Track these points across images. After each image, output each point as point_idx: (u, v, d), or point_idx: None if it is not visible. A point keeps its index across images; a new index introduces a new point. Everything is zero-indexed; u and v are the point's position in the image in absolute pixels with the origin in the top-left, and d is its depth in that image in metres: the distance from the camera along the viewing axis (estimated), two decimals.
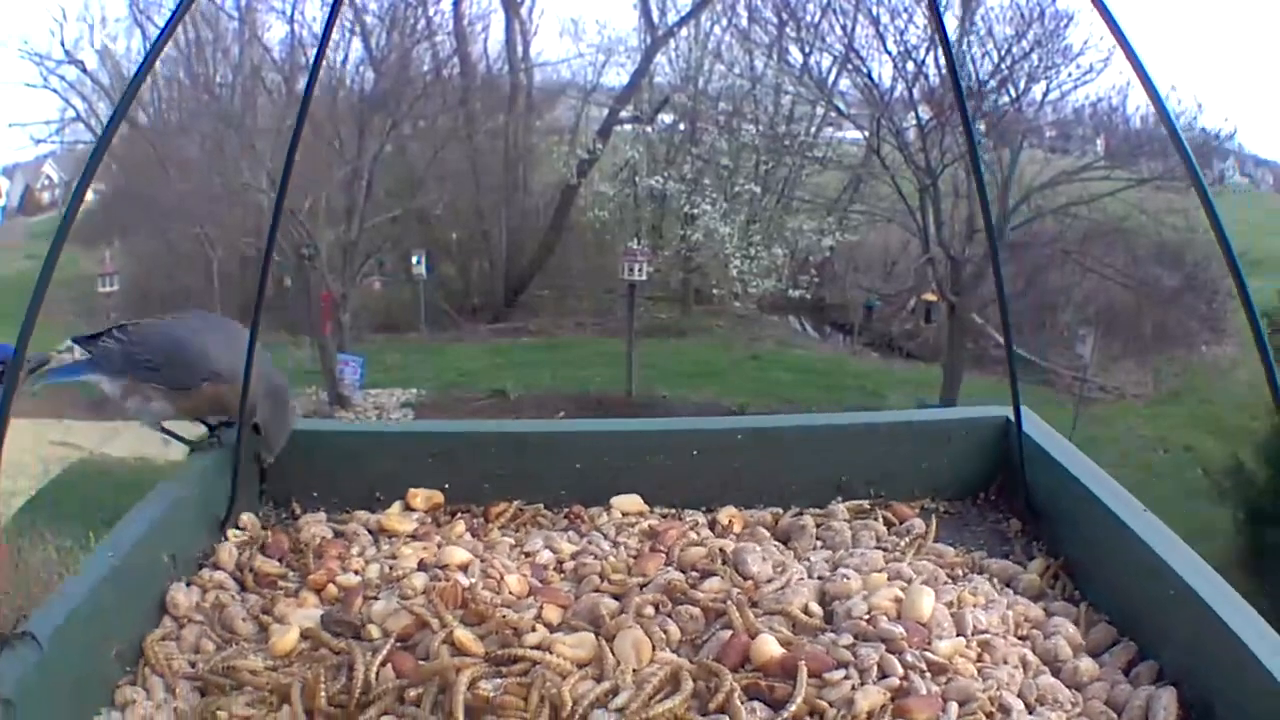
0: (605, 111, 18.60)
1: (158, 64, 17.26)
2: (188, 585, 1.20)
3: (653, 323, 17.41)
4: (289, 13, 16.46)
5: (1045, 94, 15.13)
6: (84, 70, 18.36)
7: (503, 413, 14.27)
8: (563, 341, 17.48)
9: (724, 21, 17.61)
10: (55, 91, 18.55)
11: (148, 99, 17.40)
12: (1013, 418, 1.37)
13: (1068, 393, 13.38)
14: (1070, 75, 14.74)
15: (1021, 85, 14.66)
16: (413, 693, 0.97)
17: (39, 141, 19.91)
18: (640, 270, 14.97)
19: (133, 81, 0.89)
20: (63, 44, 18.44)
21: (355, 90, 16.34)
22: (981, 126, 13.88)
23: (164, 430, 1.41)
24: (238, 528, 1.34)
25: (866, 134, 15.99)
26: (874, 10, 15.23)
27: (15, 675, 0.91)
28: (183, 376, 1.33)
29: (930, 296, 16.26)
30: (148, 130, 17.13)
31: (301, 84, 16.82)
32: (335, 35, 16.25)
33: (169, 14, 0.95)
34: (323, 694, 0.97)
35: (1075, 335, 13.99)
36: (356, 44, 16.47)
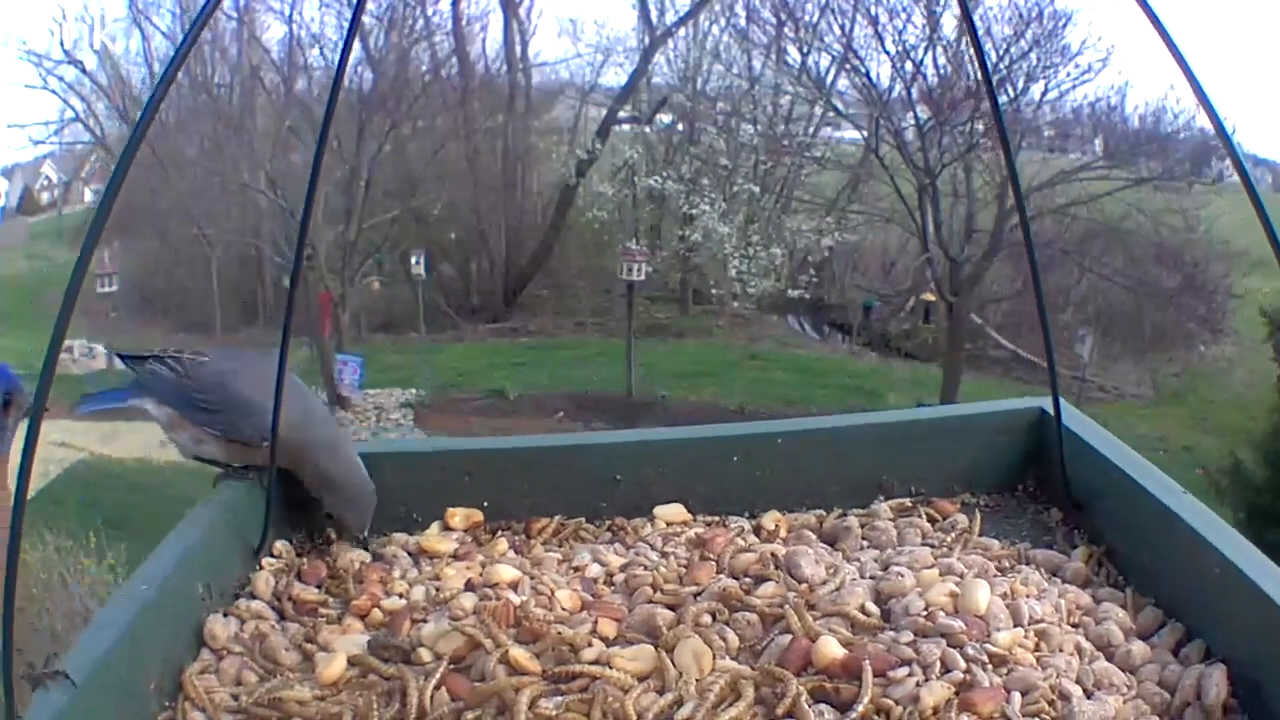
0: (604, 112, 18.61)
1: (156, 64, 17.25)
2: (225, 616, 1.16)
3: (652, 323, 17.42)
4: (288, 13, 16.49)
5: (1044, 94, 15.20)
6: (83, 71, 18.36)
7: (502, 413, 14.28)
8: (562, 341, 17.49)
9: (722, 21, 17.65)
10: (54, 92, 18.56)
11: (146, 99, 17.37)
12: (1049, 409, 1.37)
13: (1067, 393, 13.33)
14: (1069, 75, 14.82)
15: (1020, 85, 14.70)
16: (470, 715, 0.95)
17: (38, 142, 19.92)
18: (639, 270, 14.97)
19: (157, 86, 0.86)
20: (62, 44, 18.45)
21: (354, 90, 16.33)
22: (981, 126, 13.90)
23: (199, 458, 1.38)
24: (272, 555, 1.30)
25: (865, 134, 16.01)
26: (872, 10, 15.27)
27: (49, 716, 0.88)
28: (245, 430, 1.29)
29: (929, 296, 16.29)
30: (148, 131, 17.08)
31: (301, 84, 16.85)
32: (333, 35, 16.25)
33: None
34: None
35: (1075, 335, 14.00)
36: (355, 44, 16.45)
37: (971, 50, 14.17)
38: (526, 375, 15.62)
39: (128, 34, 18.69)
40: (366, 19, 16.27)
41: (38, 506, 9.65)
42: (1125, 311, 14.99)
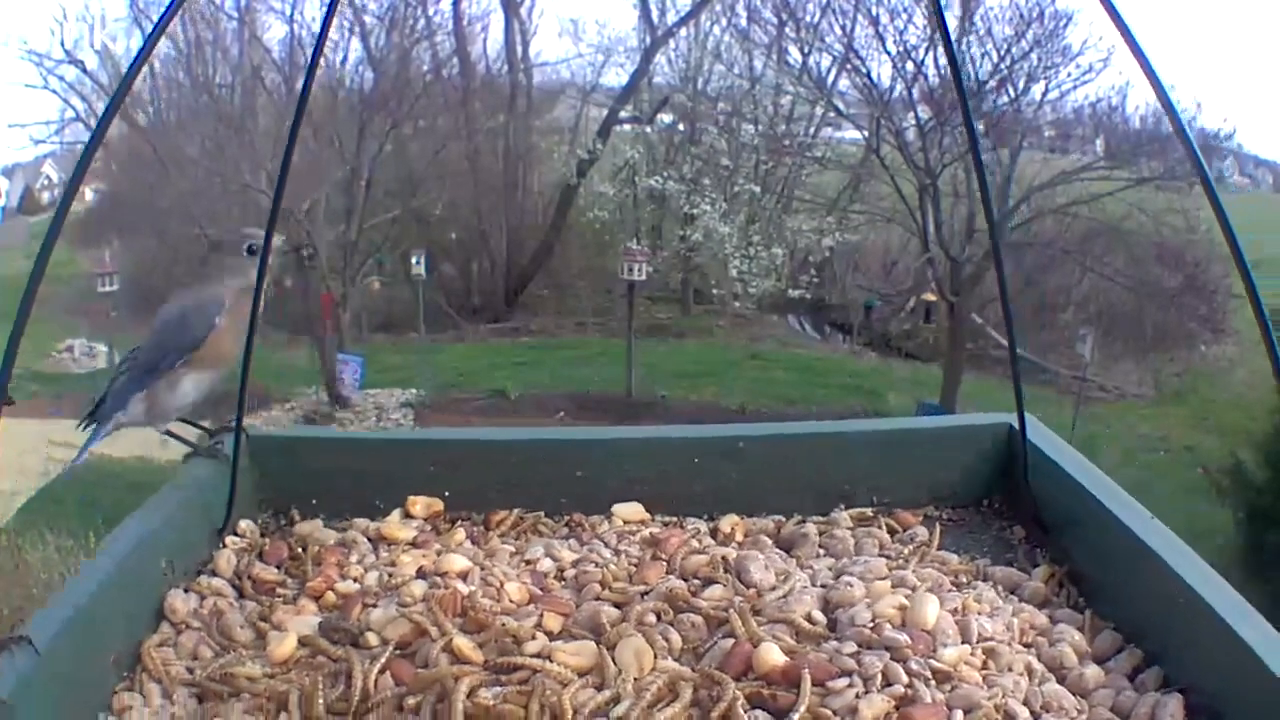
0: (605, 111, 18.61)
1: (157, 64, 17.30)
2: (186, 592, 1.20)
3: (652, 323, 17.42)
4: (289, 13, 16.51)
5: (1045, 94, 15.18)
6: (84, 70, 18.41)
7: (502, 413, 14.29)
8: (563, 341, 17.49)
9: (723, 22, 17.64)
10: (55, 92, 18.61)
11: (147, 99, 17.44)
12: (1016, 425, 1.36)
13: (1068, 393, 13.38)
14: (1070, 75, 14.79)
15: (1021, 85, 14.69)
16: (411, 700, 0.97)
17: (39, 142, 19.97)
18: (640, 270, 14.97)
19: (125, 77, 0.88)
20: (62, 44, 18.51)
21: (355, 90, 16.36)
22: (981, 126, 13.89)
23: (168, 433, 1.41)
24: (236, 535, 1.33)
25: (866, 134, 16.00)
26: (873, 10, 15.26)
27: (12, 678, 0.91)
28: (197, 327, 1.34)
29: (930, 296, 16.28)
30: (148, 130, 17.14)
31: (301, 85, 16.86)
32: (334, 35, 16.27)
33: (163, 14, 0.94)
34: (320, 701, 0.97)
35: (1075, 335, 13.98)
36: (356, 44, 16.48)
37: (974, 50, 14.21)
38: (527, 375, 15.63)
39: (128, 34, 18.70)
40: (367, 19, 16.31)
41: (38, 506, 9.67)
42: (1126, 311, 14.96)
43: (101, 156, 19.31)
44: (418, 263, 16.15)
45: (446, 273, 18.98)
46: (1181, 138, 0.96)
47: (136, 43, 18.29)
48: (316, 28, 14.96)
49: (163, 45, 17.17)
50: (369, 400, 14.89)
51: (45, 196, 24.66)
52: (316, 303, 14.74)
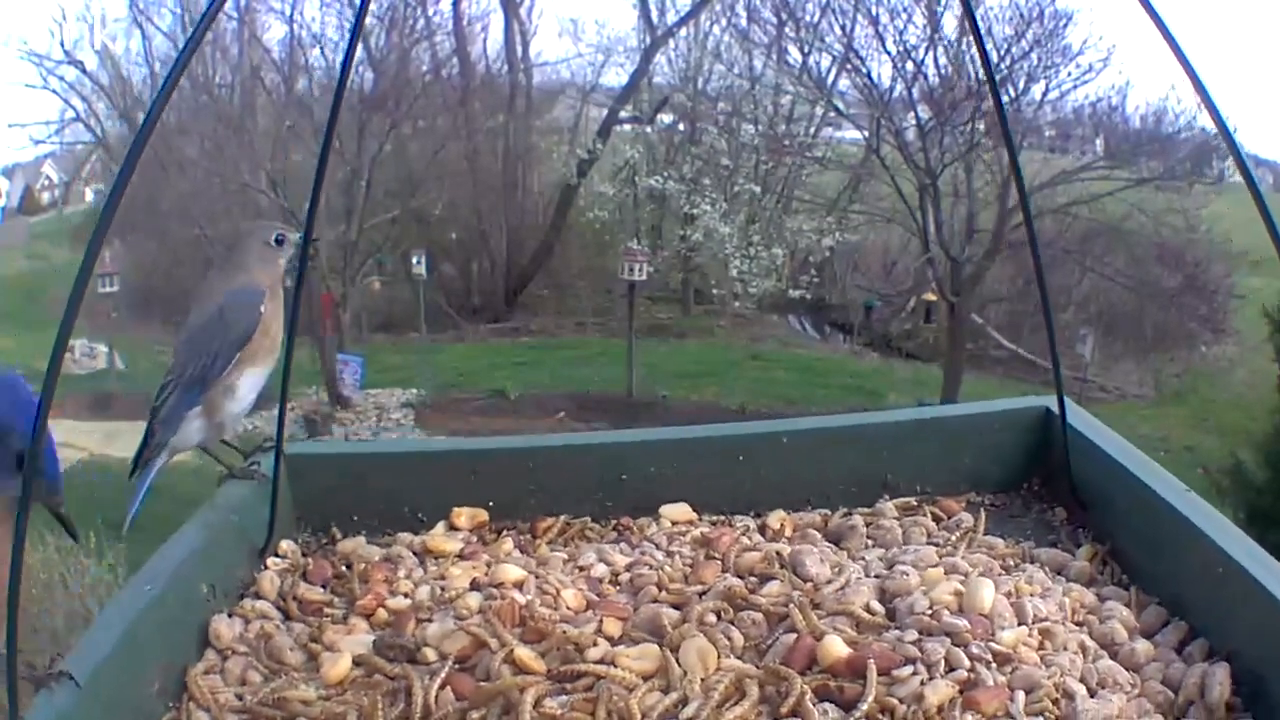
0: (605, 111, 18.60)
1: (157, 65, 17.26)
2: (230, 616, 1.17)
3: (653, 323, 17.41)
4: (288, 13, 16.49)
5: (1045, 94, 15.17)
6: (83, 71, 18.37)
7: (502, 413, 14.28)
8: (563, 341, 17.48)
9: (723, 21, 17.62)
10: (55, 92, 18.57)
11: (147, 99, 17.38)
12: (1055, 408, 1.37)
13: (1068, 393, 13.34)
14: (1070, 75, 14.79)
15: (1021, 85, 14.68)
16: (475, 715, 0.96)
17: (39, 142, 19.93)
18: (640, 270, 14.97)
19: (162, 88, 0.86)
20: (62, 44, 18.45)
21: (355, 90, 16.32)
22: (981, 126, 13.90)
23: (208, 451, 1.37)
24: (277, 555, 1.31)
25: (866, 134, 16.00)
26: (873, 10, 15.26)
27: (53, 716, 0.88)
28: (243, 319, 1.28)
29: (930, 296, 16.27)
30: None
31: (301, 84, 16.85)
32: (334, 35, 16.26)
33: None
34: None
35: (1075, 335, 14.00)
36: (356, 44, 16.46)
37: (974, 50, 14.21)
38: (527, 375, 15.62)
39: (128, 34, 18.69)
40: (367, 19, 16.28)
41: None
42: (1127, 311, 14.99)
43: (103, 158, 19.32)
44: (418, 263, 16.14)
45: (446, 273, 18.96)
46: (1231, 147, 0.96)
47: (136, 43, 18.30)
48: (317, 28, 14.93)
49: (163, 45, 17.15)
50: (369, 400, 14.87)
51: (45, 197, 24.62)
52: (317, 302, 14.72)
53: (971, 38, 13.92)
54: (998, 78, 14.26)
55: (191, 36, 0.90)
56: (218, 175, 15.00)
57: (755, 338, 17.67)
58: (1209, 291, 14.24)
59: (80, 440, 11.37)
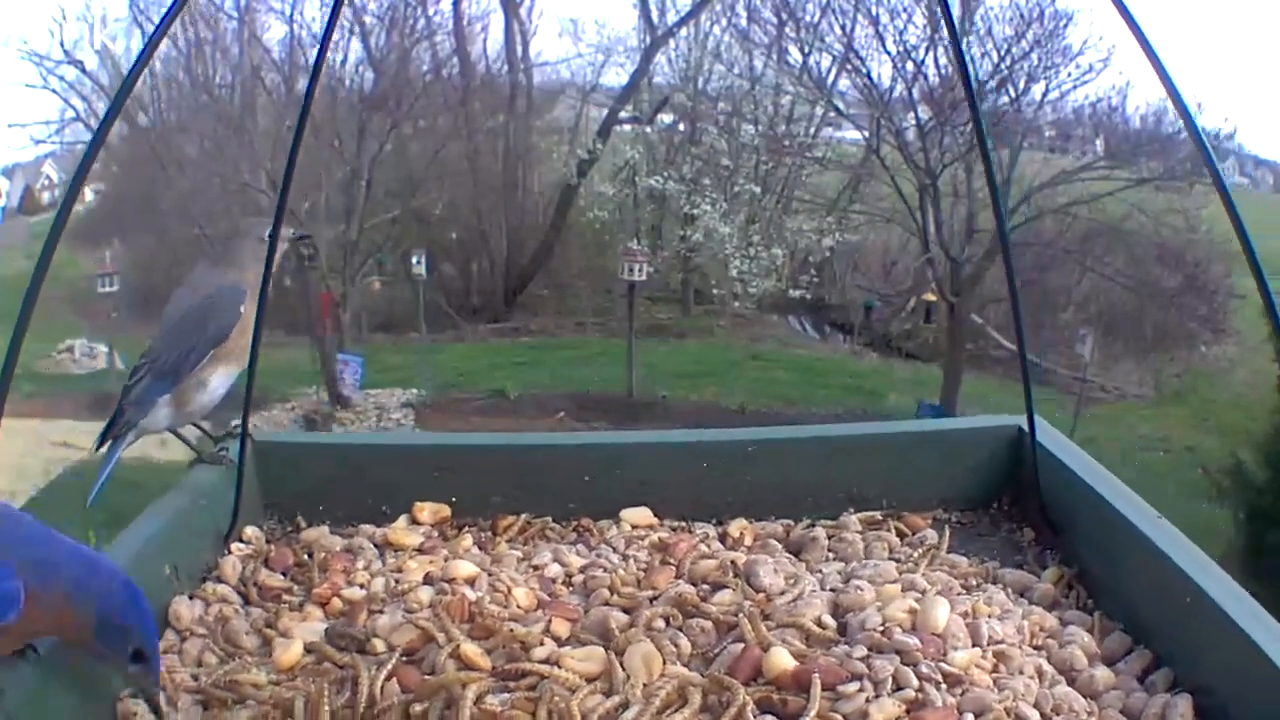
0: (605, 111, 18.59)
1: (157, 64, 17.29)
2: (191, 598, 1.19)
3: (653, 323, 17.40)
4: (289, 13, 16.48)
5: (1045, 94, 15.15)
6: (83, 71, 18.38)
7: (502, 413, 14.28)
8: (563, 341, 17.47)
9: (723, 21, 17.60)
10: (55, 92, 18.59)
11: (147, 99, 17.42)
12: (1026, 427, 1.36)
13: (1068, 393, 13.38)
14: (1070, 75, 14.76)
15: (1021, 85, 14.67)
16: (418, 707, 0.96)
17: (39, 142, 19.96)
18: (640, 270, 14.95)
19: (128, 77, 0.86)
20: (62, 44, 18.47)
21: (355, 90, 16.34)
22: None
23: (177, 434, 1.39)
24: (241, 541, 1.33)
25: (866, 134, 15.98)
26: (873, 10, 15.24)
27: (16, 686, 0.91)
28: (223, 317, 1.29)
29: (930, 296, 16.25)
30: (148, 130, 17.13)
31: (302, 84, 16.86)
32: (334, 35, 16.27)
33: (166, 13, 0.93)
34: (326, 708, 0.96)
35: (1075, 335, 13.97)
36: (356, 44, 16.48)
37: (971, 50, 14.19)
38: (527, 375, 15.61)
39: (128, 34, 18.68)
40: (367, 19, 16.29)
41: (38, 506, 9.66)
42: (1127, 311, 14.95)
43: (102, 157, 19.32)
44: (418, 263, 16.14)
45: (446, 273, 18.96)
46: (1196, 142, 0.96)
47: (137, 43, 18.31)
48: (317, 28, 14.98)
49: (163, 45, 17.16)
50: (369, 400, 14.87)
51: (45, 196, 24.65)
52: (316, 302, 14.73)
53: (964, 38, 13.94)
54: (998, 78, 14.30)
55: (157, 29, 0.92)
56: (217, 175, 15.01)
57: (755, 338, 17.66)
58: (1209, 291, 14.20)
59: (80, 440, 11.39)
